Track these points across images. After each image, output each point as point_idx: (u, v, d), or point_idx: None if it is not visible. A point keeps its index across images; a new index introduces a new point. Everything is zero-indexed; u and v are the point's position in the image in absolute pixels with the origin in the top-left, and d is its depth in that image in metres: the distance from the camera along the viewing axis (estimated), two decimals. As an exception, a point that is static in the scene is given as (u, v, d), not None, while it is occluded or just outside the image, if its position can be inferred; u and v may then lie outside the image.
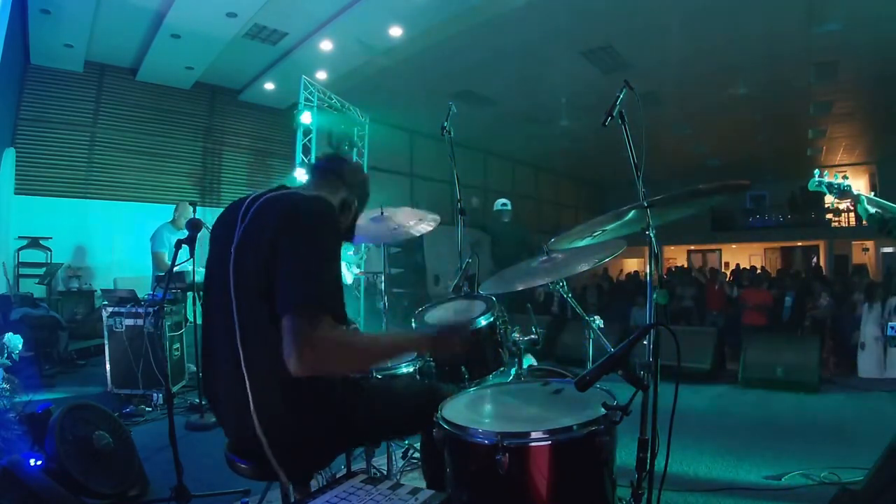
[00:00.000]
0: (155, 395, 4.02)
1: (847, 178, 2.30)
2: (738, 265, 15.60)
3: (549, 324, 6.69)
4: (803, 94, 10.21)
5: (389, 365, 1.91)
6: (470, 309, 2.36)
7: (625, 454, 1.58)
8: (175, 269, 2.87)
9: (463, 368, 2.13)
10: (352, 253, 7.64)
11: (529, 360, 2.26)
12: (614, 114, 1.77)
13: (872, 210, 2.19)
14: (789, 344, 5.23)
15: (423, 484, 1.72)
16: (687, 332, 5.80)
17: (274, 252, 1.26)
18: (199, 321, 3.79)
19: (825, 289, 6.88)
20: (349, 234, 1.65)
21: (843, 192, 2.28)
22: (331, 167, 1.62)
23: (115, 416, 2.72)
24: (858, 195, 2.24)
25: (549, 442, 1.31)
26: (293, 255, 1.25)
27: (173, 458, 2.35)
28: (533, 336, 2.29)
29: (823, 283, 7.36)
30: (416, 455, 2.61)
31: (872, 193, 2.27)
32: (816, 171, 2.34)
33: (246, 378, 1.29)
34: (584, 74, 9.03)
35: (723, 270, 14.57)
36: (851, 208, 15.68)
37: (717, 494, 2.63)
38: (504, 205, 6.10)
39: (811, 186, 2.35)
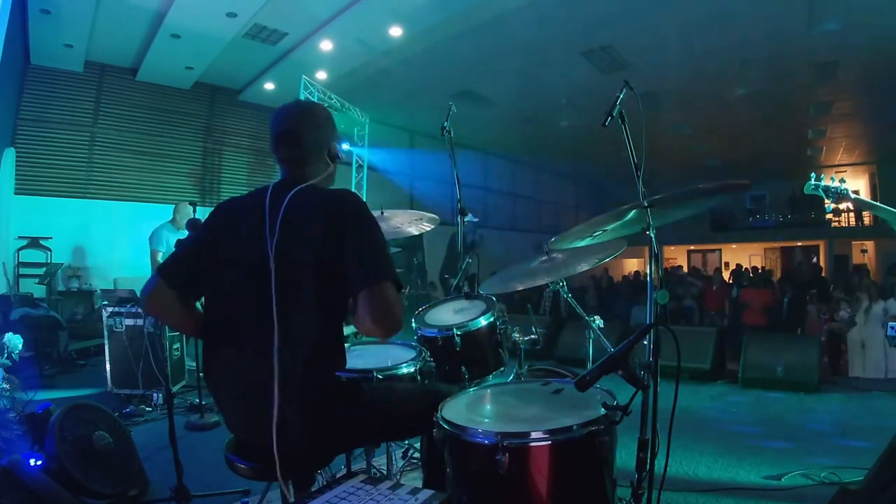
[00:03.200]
0: (155, 395, 4.02)
1: (844, 181, 2.25)
2: (738, 265, 15.59)
3: (550, 324, 6.71)
4: (803, 95, 10.20)
5: (390, 364, 1.90)
6: (470, 309, 2.37)
7: (625, 454, 1.58)
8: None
9: (463, 368, 2.13)
10: None
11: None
12: (614, 114, 1.77)
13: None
14: (789, 344, 5.22)
15: (422, 484, 1.72)
16: (687, 332, 5.80)
17: (333, 241, 1.35)
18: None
19: (845, 299, 6.53)
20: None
21: (840, 196, 2.22)
22: (307, 141, 1.53)
23: (115, 416, 2.71)
24: (855, 198, 2.19)
25: (549, 442, 1.32)
26: (364, 239, 1.37)
27: (173, 458, 2.35)
28: (533, 336, 2.29)
29: (844, 292, 6.92)
30: (416, 455, 2.61)
31: (869, 196, 2.21)
32: (812, 175, 2.29)
33: (276, 368, 1.29)
34: (584, 74, 9.02)
35: (722, 270, 14.53)
36: (851, 209, 15.61)
37: (717, 494, 2.63)
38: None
39: (807, 190, 2.28)
